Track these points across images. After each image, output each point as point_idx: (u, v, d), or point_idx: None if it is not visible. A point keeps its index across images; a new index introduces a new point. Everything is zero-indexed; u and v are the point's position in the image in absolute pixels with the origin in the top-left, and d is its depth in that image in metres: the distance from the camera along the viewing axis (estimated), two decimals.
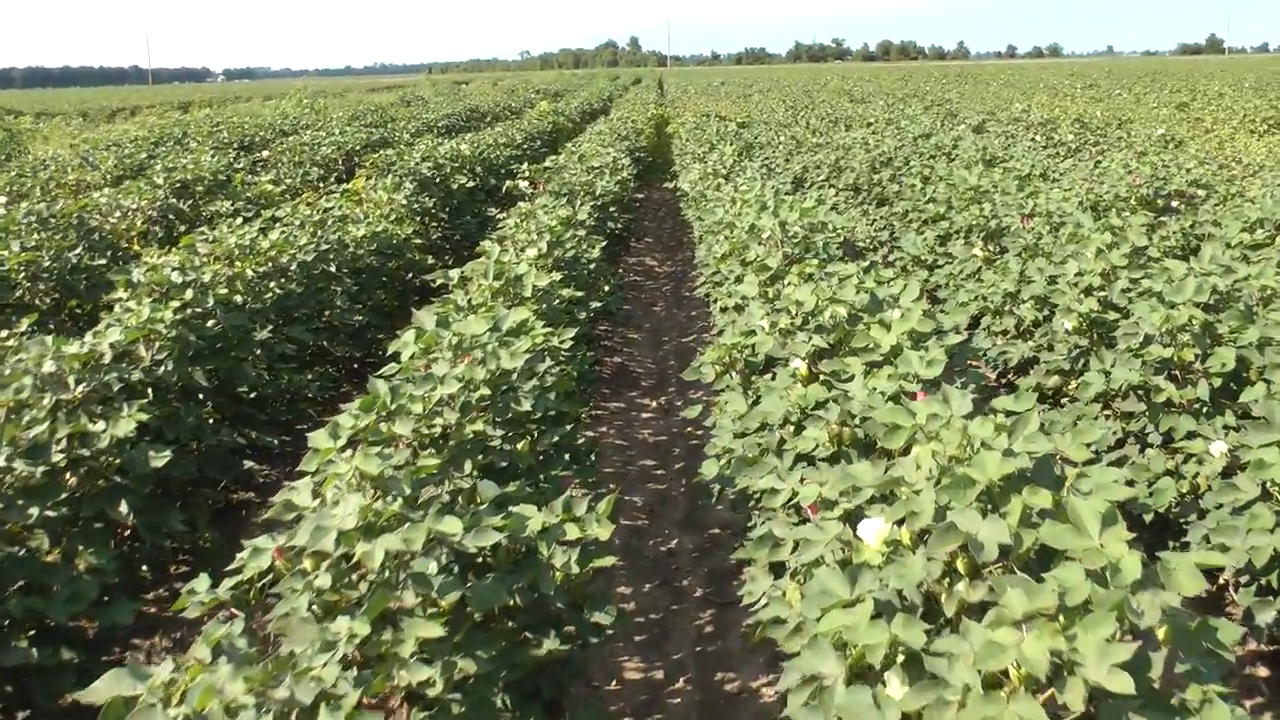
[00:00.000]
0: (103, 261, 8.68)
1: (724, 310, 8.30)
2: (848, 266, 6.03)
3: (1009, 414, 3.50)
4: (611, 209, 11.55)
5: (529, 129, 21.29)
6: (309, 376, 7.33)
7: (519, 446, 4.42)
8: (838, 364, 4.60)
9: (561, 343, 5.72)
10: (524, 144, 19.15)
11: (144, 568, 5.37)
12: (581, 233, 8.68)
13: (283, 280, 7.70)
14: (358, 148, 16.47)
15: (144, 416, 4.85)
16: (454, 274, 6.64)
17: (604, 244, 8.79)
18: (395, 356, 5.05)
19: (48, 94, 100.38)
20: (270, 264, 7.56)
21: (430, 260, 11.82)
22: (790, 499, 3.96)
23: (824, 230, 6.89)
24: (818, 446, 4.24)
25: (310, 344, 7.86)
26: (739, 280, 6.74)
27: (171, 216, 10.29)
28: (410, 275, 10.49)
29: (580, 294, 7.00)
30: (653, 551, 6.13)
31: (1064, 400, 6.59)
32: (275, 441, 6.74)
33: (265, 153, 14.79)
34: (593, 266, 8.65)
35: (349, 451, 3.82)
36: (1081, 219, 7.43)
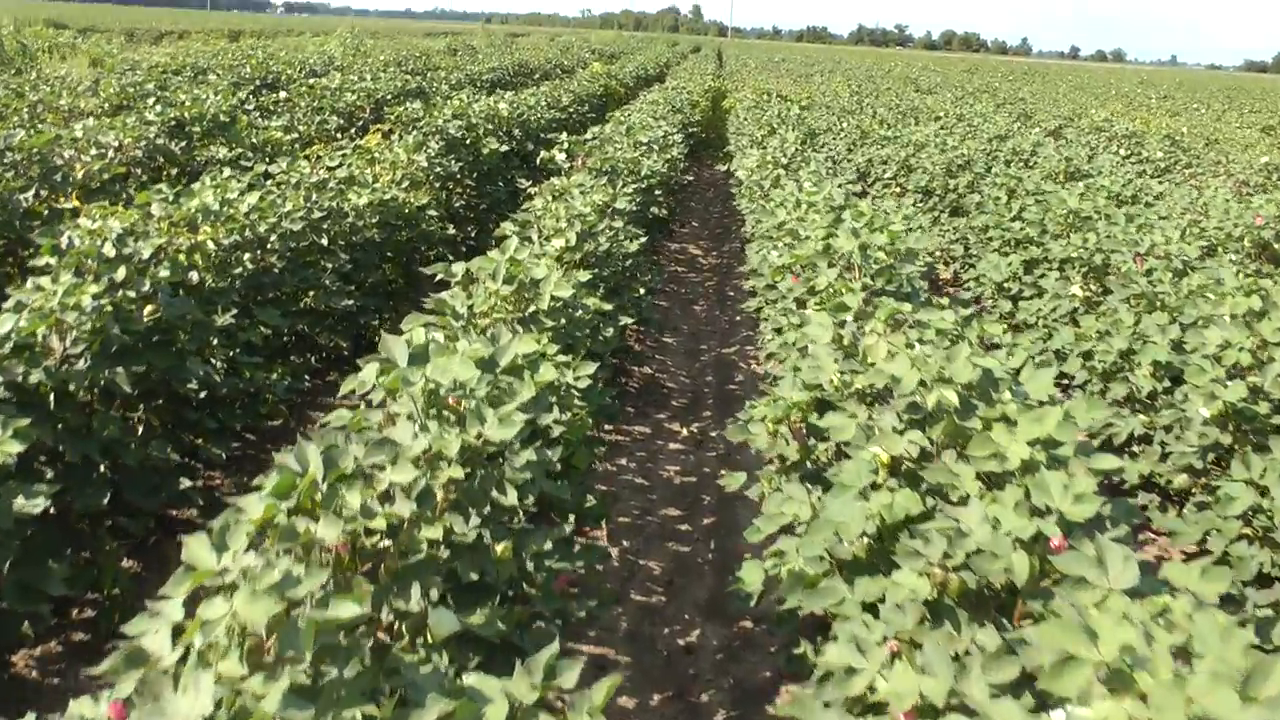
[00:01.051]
0: (70, 206, 7.52)
1: (778, 331, 7.10)
2: (943, 312, 4.81)
3: (1197, 602, 2.38)
4: (656, 192, 10.33)
5: (578, 90, 20.01)
6: (273, 375, 6.12)
7: (498, 549, 3.23)
8: (943, 474, 3.39)
9: (577, 380, 4.55)
10: (570, 106, 17.88)
11: (24, 625, 4.20)
12: (619, 223, 7.47)
13: (259, 253, 6.51)
14: (389, 96, 15.20)
15: (18, 447, 3.67)
16: (458, 269, 5.41)
17: (644, 238, 7.57)
18: (363, 392, 3.84)
19: (99, 9, 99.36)
20: (245, 232, 6.37)
21: (451, 230, 10.66)
22: (872, 685, 2.82)
23: (913, 259, 5.64)
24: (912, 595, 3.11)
25: (286, 331, 6.69)
26: (801, 306, 5.50)
27: (160, 159, 9.09)
28: (425, 248, 9.31)
29: (609, 307, 5.79)
30: (667, 644, 4.93)
31: (1186, 500, 5.36)
32: (223, 455, 5.55)
33: (284, 94, 13.53)
34: (628, 263, 7.46)
35: (250, 559, 2.65)
36: (1224, 274, 6.14)
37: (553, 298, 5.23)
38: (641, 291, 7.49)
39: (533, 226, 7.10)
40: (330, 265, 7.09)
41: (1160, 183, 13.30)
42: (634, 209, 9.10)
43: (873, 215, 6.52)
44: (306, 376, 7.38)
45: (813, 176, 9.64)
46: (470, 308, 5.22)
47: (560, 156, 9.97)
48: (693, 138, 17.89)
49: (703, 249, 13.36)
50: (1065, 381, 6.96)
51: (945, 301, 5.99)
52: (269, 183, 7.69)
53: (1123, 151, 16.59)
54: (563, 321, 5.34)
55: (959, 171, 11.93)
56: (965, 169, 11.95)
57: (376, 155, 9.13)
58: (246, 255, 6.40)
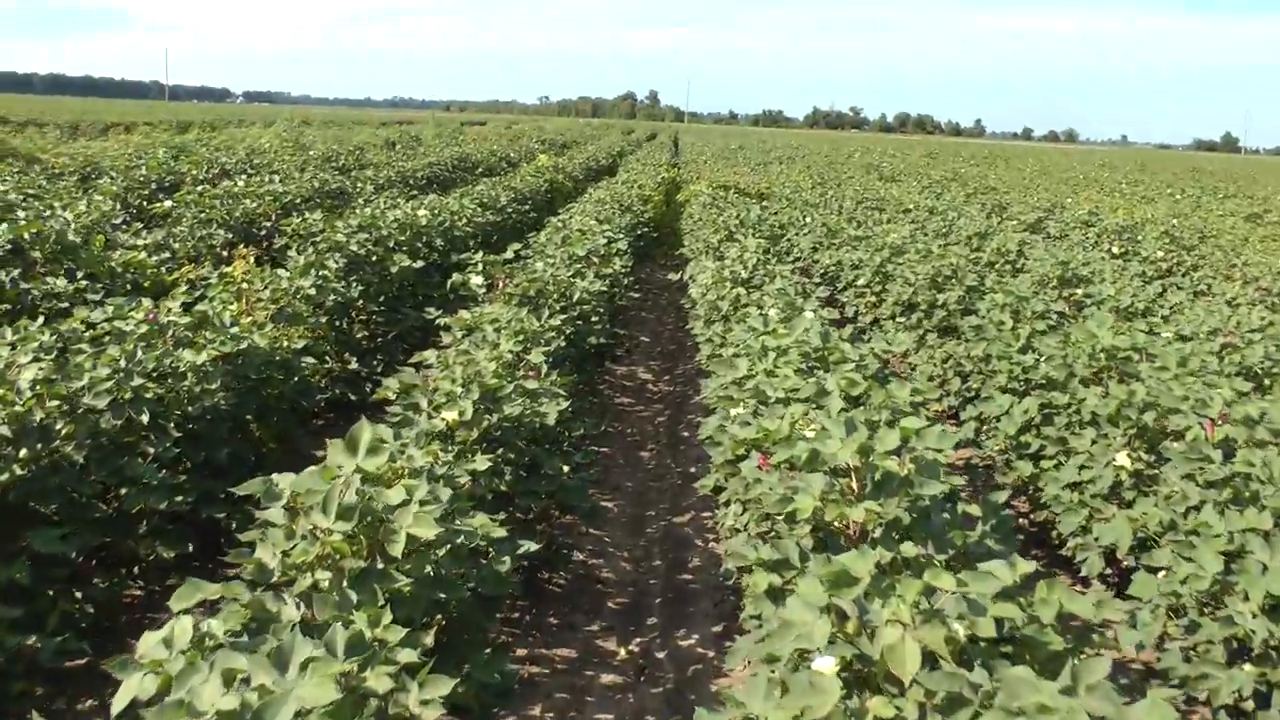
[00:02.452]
0: None
1: (736, 529, 5.45)
2: (995, 569, 3.16)
3: None
4: (594, 318, 8.69)
5: (519, 188, 18.41)
6: (32, 641, 4.36)
7: None
8: None
9: (425, 706, 2.91)
10: (508, 207, 16.23)
11: None
12: (532, 384, 5.77)
13: (42, 445, 4.80)
14: (299, 201, 13.48)
15: None
16: (283, 485, 3.72)
17: (565, 403, 5.87)
18: None
19: (48, 101, 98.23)
20: (15, 422, 4.66)
21: (355, 366, 9.00)
22: None
23: (936, 473, 3.93)
24: None
25: (76, 554, 4.94)
26: (772, 563, 3.78)
27: None
28: (312, 397, 7.65)
29: (503, 533, 4.09)
30: None
31: None
32: None
33: (168, 203, 11.67)
34: (550, 425, 5.77)
35: None
36: None
37: (409, 539, 3.55)
38: (565, 469, 5.77)
39: (420, 391, 5.45)
40: (154, 449, 5.36)
41: (1163, 288, 11.82)
42: (563, 345, 7.49)
43: (869, 384, 4.86)
44: (136, 587, 5.66)
45: (779, 299, 8.04)
46: (286, 555, 3.57)
47: (476, 280, 8.32)
48: (644, 238, 16.29)
49: (653, 372, 11.69)
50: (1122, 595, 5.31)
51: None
52: (88, 334, 6.00)
53: (1115, 249, 15.11)
54: (428, 570, 3.66)
55: (947, 284, 10.34)
56: (954, 280, 10.36)
57: (245, 286, 7.42)
58: (23, 450, 4.69)
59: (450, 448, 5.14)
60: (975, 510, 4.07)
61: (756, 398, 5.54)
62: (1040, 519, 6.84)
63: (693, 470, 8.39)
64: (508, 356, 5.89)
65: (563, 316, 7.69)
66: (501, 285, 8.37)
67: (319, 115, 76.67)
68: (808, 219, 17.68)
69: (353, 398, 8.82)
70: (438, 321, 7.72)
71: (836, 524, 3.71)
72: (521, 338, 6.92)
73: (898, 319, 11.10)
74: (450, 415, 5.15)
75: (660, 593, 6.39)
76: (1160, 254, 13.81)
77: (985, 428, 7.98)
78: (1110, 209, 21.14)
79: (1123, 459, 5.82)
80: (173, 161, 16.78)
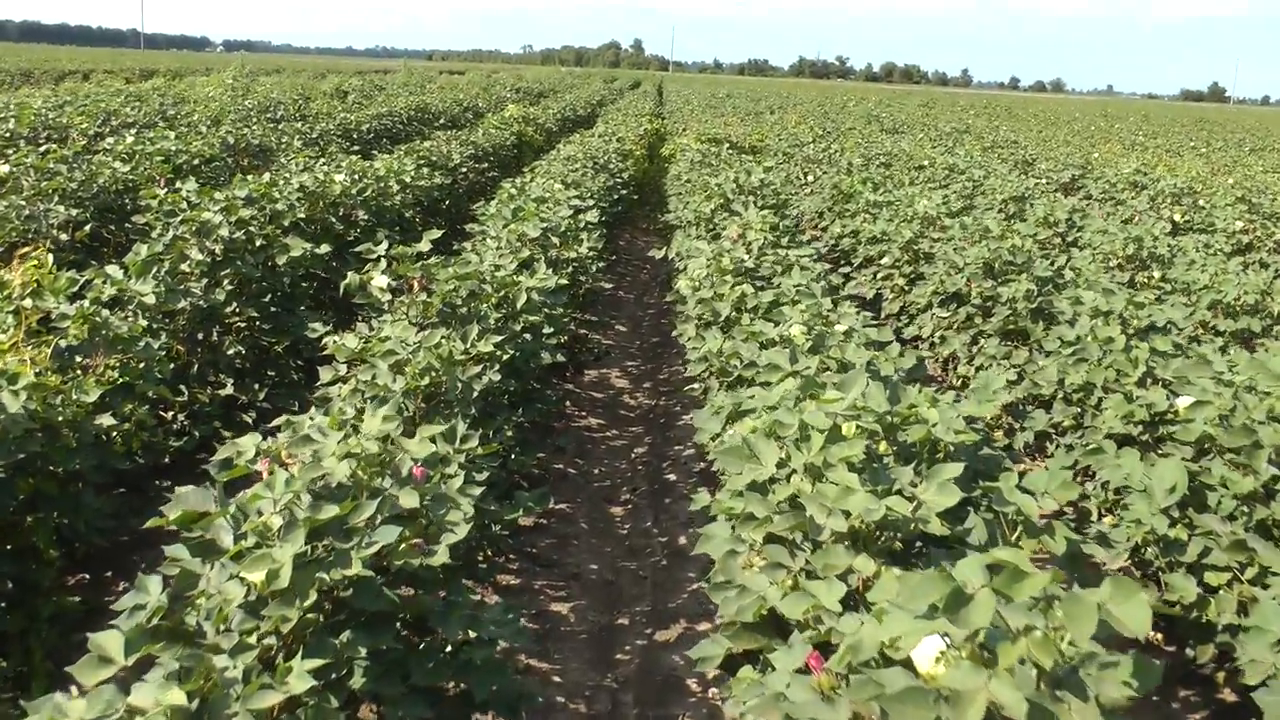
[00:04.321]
0: None
1: None
2: None
3: None
4: (547, 329, 6.35)
5: (480, 142, 15.96)
6: None
7: None
8: None
9: None
10: (462, 166, 13.79)
11: None
12: (411, 498, 3.41)
13: None
14: (199, 163, 11.00)
15: None
16: None
17: (464, 528, 3.51)
18: None
19: (11, 48, 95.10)
20: None
21: (230, 391, 6.74)
22: None
23: None
24: None
25: None
26: None
27: None
28: (173, 443, 5.39)
29: None
30: None
31: None
32: None
33: (5, 166, 9.01)
34: (440, 566, 3.43)
35: None
36: None
37: None
38: (475, 635, 3.42)
39: (223, 517, 3.14)
40: None
41: (1245, 266, 9.56)
42: (496, 380, 5.21)
43: (1051, 583, 2.48)
44: None
45: (804, 303, 5.74)
46: None
47: (380, 281, 5.94)
48: (622, 202, 13.86)
49: (631, 376, 9.32)
50: None
51: None
52: None
53: (1176, 216, 12.79)
54: None
55: (1009, 272, 8.01)
56: (1017, 268, 8.02)
57: (26, 304, 5.04)
58: None
59: (261, 630, 2.88)
60: None
61: (793, 525, 3.24)
62: (1199, 652, 4.56)
63: (682, 541, 6.09)
64: (372, 448, 3.53)
65: (498, 338, 5.36)
66: (417, 285, 6.00)
67: (292, 64, 73.62)
68: (809, 177, 15.38)
69: (228, 435, 6.49)
70: (325, 342, 5.41)
71: None
72: (428, 380, 4.64)
73: (935, 310, 8.78)
74: (255, 577, 2.86)
75: None
76: (1239, 225, 11.46)
77: (1087, 480, 5.73)
78: (1151, 166, 18.77)
79: None
80: (54, 113, 14.13)
